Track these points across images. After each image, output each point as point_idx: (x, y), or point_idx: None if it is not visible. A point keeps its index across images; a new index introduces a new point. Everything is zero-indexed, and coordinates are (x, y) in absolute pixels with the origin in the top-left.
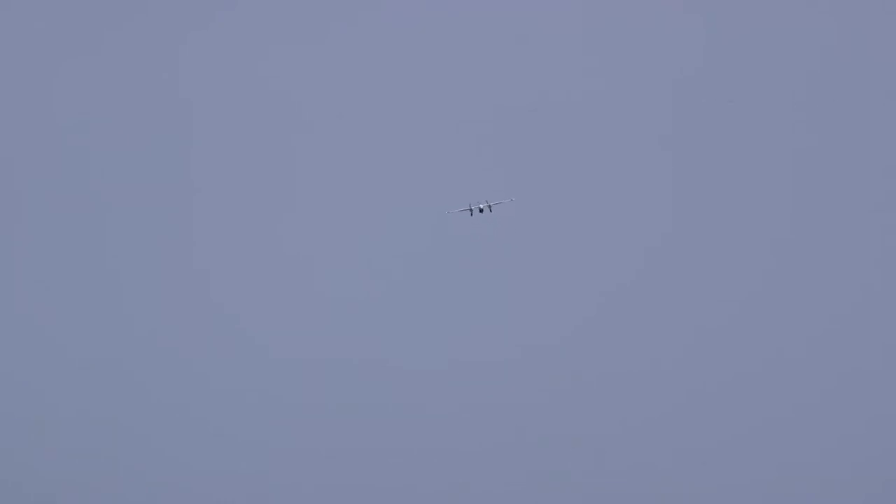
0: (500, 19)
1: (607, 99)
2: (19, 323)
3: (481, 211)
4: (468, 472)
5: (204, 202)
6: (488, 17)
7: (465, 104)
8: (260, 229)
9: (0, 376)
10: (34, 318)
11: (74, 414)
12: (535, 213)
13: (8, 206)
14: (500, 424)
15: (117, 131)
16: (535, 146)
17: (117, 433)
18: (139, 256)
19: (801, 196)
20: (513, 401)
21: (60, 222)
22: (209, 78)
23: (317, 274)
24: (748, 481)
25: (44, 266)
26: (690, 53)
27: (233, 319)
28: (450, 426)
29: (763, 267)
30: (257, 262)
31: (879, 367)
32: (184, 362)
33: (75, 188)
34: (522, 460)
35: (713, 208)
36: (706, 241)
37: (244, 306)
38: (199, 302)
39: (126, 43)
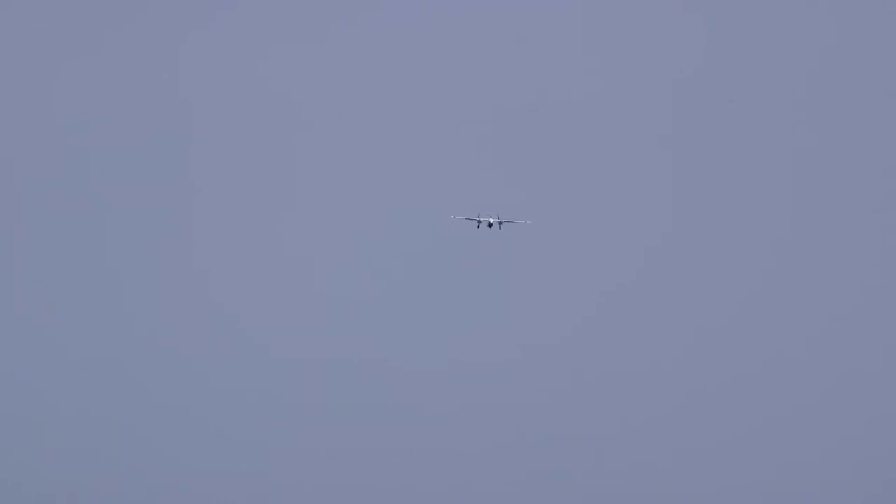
0: (500, 19)
1: (607, 99)
2: (19, 323)
3: (490, 225)
4: (469, 472)
5: (204, 202)
6: (488, 17)
7: (465, 104)
8: (260, 229)
9: (0, 376)
10: (34, 318)
11: (74, 414)
12: (537, 214)
13: (8, 207)
14: (501, 424)
15: (117, 131)
16: (535, 146)
17: (117, 433)
18: (139, 256)
19: (801, 196)
20: (513, 401)
21: (60, 222)
22: (209, 78)
23: (317, 274)
24: (748, 481)
25: (44, 266)
26: (690, 53)
27: (233, 319)
28: (450, 426)
29: (763, 267)
30: (257, 263)
31: (880, 367)
32: (184, 362)
33: (75, 188)
34: (523, 460)
35: (713, 208)
36: (706, 242)
37: (244, 306)
38: (199, 302)
39: (126, 43)
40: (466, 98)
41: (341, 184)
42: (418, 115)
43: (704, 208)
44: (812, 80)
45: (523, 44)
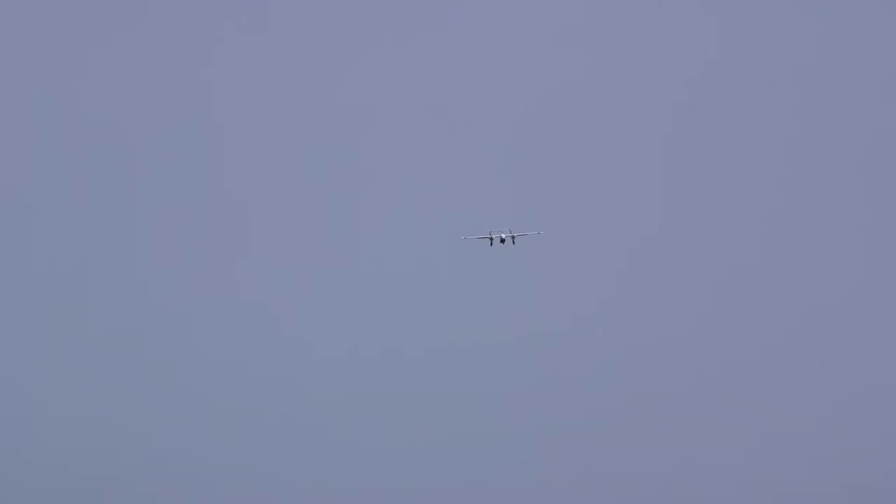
0: (511, 30)
1: (613, 106)
2: (65, 321)
3: (502, 241)
4: (474, 464)
5: (224, 218)
6: (500, 26)
7: (476, 113)
8: (285, 236)
9: (42, 373)
10: (73, 312)
11: (103, 401)
12: (543, 216)
13: (43, 210)
14: (504, 417)
15: (149, 133)
16: (535, 157)
17: (148, 425)
18: (174, 259)
19: (805, 202)
20: (515, 391)
21: (86, 215)
22: (241, 88)
23: (340, 277)
24: (746, 477)
25: (63, 265)
26: (701, 64)
27: (259, 324)
28: (455, 418)
29: (766, 271)
30: (287, 267)
31: (879, 365)
32: (223, 361)
33: (107, 185)
34: (531, 452)
35: (720, 211)
36: (712, 243)
37: (260, 313)
38: (222, 305)
39: (161, 43)
40: (477, 107)
41: (361, 193)
42: (428, 125)
43: (710, 209)
44: (812, 83)
45: (530, 53)
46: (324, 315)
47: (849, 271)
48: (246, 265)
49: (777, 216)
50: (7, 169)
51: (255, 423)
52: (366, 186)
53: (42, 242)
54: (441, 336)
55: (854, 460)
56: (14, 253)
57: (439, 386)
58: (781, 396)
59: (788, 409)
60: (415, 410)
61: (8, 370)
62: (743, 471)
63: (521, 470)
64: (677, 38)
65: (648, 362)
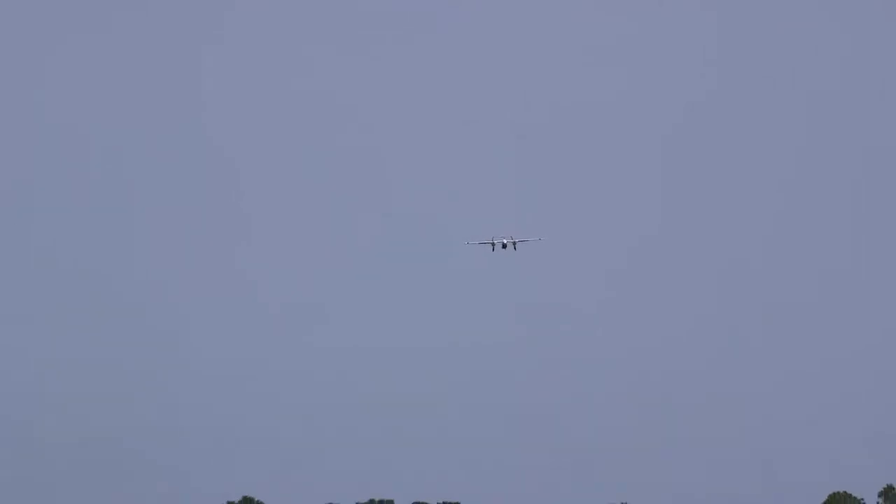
0: (512, 35)
1: (613, 108)
2: (65, 321)
3: (504, 247)
4: (479, 456)
5: (238, 221)
6: (502, 30)
7: (476, 115)
8: (290, 239)
9: (43, 373)
10: (73, 312)
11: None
12: (544, 215)
13: (43, 210)
14: (504, 417)
15: (149, 133)
16: (541, 153)
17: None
18: (174, 259)
19: (805, 202)
20: (515, 391)
21: (89, 218)
22: (240, 88)
23: (340, 277)
24: (746, 477)
25: (63, 265)
26: (702, 62)
27: (275, 322)
28: (459, 413)
29: (766, 271)
30: (287, 267)
31: (879, 365)
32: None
33: (107, 185)
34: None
35: (714, 211)
36: (712, 243)
37: (277, 313)
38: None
39: (160, 43)
40: (480, 114)
41: (360, 198)
42: (429, 128)
43: (710, 209)
44: (812, 85)
45: (535, 62)
46: (324, 315)
47: (849, 271)
48: (246, 265)
49: (777, 216)
50: (7, 169)
51: (256, 421)
52: (367, 188)
53: (42, 242)
54: (441, 336)
55: (854, 459)
56: (14, 253)
57: (439, 386)
58: (781, 396)
59: (788, 409)
60: (415, 410)
61: (8, 369)
62: (743, 471)
63: (521, 470)
64: (677, 39)
65: (648, 363)
